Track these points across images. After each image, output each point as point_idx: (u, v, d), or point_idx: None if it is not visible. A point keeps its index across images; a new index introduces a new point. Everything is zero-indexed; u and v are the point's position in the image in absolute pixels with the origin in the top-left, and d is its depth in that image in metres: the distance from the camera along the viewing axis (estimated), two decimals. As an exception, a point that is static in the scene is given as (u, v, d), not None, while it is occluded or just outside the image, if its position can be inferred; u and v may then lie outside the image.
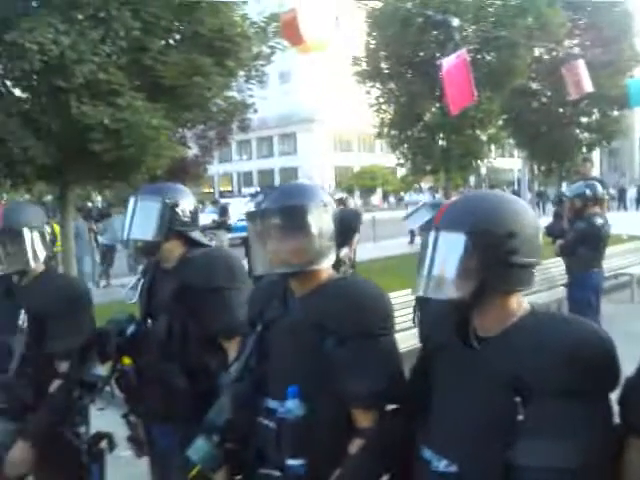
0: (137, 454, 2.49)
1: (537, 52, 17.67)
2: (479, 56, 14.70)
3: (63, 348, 2.37)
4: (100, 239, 13.72)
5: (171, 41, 9.09)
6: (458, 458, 1.45)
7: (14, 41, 7.24)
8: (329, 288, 1.79)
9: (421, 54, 14.97)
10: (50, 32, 7.32)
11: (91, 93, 8.03)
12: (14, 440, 2.34)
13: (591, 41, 18.60)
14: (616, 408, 1.41)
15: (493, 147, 18.37)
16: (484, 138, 16.15)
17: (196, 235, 2.44)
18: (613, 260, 8.76)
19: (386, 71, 15.89)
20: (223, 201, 19.70)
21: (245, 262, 2.92)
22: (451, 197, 16.46)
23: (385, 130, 16.51)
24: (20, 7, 7.87)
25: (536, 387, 1.34)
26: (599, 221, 5.74)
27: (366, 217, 14.49)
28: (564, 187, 17.05)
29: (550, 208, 18.21)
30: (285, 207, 1.77)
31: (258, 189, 25.93)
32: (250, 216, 1.88)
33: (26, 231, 2.44)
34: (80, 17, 8.01)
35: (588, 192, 5.81)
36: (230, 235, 13.46)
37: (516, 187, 34.25)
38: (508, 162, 43.98)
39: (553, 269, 7.58)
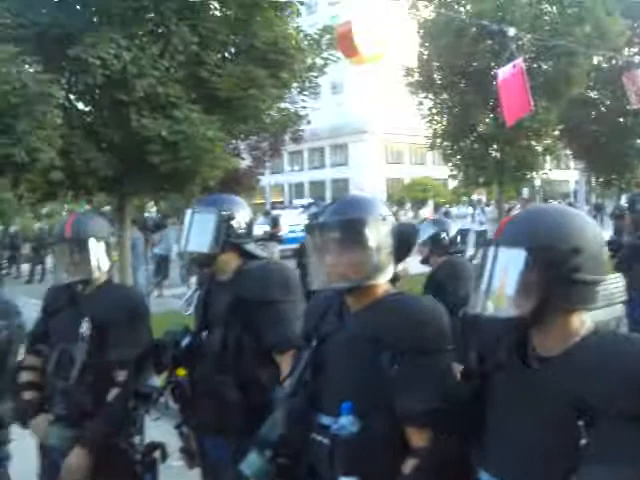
0: (189, 465, 2.51)
1: (596, 60, 17.23)
2: (535, 65, 14.42)
3: (121, 357, 2.42)
4: (155, 250, 14.00)
5: (227, 54, 9.27)
6: None
7: (78, 56, 7.50)
8: (386, 303, 1.77)
9: (475, 64, 14.78)
10: (112, 47, 7.56)
11: (150, 106, 8.25)
12: (71, 446, 2.40)
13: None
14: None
15: (548, 158, 17.93)
16: (539, 149, 15.80)
17: (251, 247, 2.46)
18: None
19: (439, 82, 15.76)
20: (274, 212, 19.83)
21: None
22: (504, 210, 16.19)
23: (438, 141, 16.34)
24: (83, 23, 8.13)
25: (600, 410, 1.29)
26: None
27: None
28: (623, 200, 16.52)
29: (608, 221, 17.67)
30: (344, 220, 1.76)
31: (310, 200, 26.02)
32: (309, 229, 1.88)
33: (92, 241, 2.51)
34: (140, 32, 8.26)
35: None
36: (280, 247, 13.50)
37: (572, 199, 33.38)
38: (563, 174, 42.87)
39: (612, 285, 7.30)
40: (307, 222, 7.32)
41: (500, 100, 9.88)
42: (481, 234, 17.53)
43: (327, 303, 1.91)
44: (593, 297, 1.42)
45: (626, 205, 6.69)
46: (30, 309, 7.72)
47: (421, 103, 16.29)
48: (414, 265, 3.56)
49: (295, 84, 10.06)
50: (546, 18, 15.02)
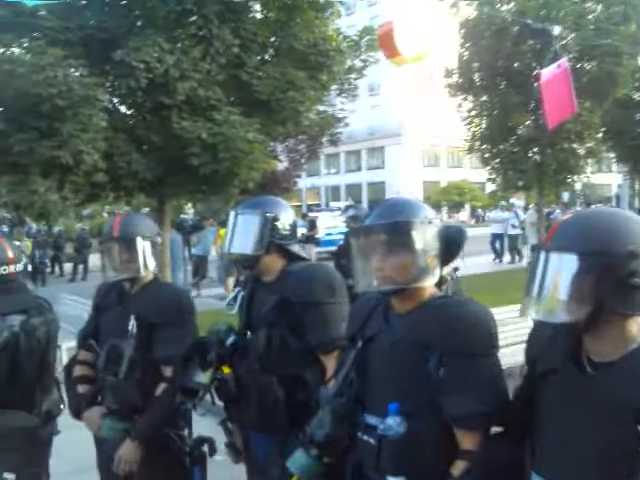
0: (234, 460, 2.55)
1: (642, 61, 16.78)
2: (578, 65, 14.12)
3: (168, 354, 2.46)
4: (193, 250, 14.19)
5: (267, 56, 9.33)
6: None
7: (122, 60, 7.64)
8: (432, 306, 1.76)
9: (516, 65, 14.54)
10: (155, 51, 7.69)
11: (191, 109, 8.37)
12: (122, 439, 2.48)
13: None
14: None
15: (590, 162, 17.52)
16: (582, 152, 15.45)
17: (295, 248, 2.47)
18: None
19: (479, 83, 15.56)
20: (311, 215, 19.87)
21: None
22: (544, 215, 15.87)
23: (477, 144, 16.13)
24: (127, 27, 8.28)
25: None
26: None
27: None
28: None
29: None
30: (391, 223, 1.76)
31: (347, 202, 26.03)
32: (354, 232, 1.88)
33: (139, 240, 2.57)
34: (183, 36, 8.38)
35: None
36: (317, 249, 13.54)
37: (614, 203, 32.60)
38: (605, 177, 41.90)
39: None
40: (345, 224, 7.32)
41: (542, 102, 9.70)
42: (514, 238, 17.29)
43: (372, 305, 1.91)
44: None
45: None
46: (72, 306, 7.91)
47: (460, 105, 16.11)
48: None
49: (334, 86, 10.08)
50: (590, 17, 14.69)
